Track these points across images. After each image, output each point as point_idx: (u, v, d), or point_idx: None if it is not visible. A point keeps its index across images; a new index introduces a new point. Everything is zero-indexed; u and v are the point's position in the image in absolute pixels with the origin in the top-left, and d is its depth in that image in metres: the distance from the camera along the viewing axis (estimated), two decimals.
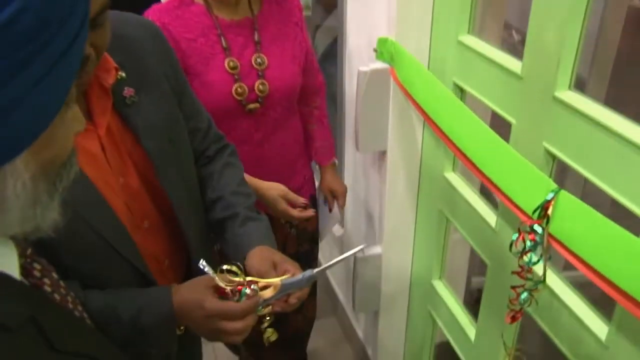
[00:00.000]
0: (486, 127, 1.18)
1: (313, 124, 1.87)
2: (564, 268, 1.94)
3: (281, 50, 1.63)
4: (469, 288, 2.43)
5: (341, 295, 2.64)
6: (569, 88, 1.05)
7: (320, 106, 1.88)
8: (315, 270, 1.06)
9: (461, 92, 1.42)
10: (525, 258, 1.03)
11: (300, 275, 1.05)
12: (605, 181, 0.96)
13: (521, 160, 1.07)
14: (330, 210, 1.98)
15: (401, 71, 1.50)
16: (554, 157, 1.11)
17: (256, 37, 1.58)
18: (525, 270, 1.05)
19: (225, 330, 0.97)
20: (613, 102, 1.17)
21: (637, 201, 0.90)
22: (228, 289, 0.97)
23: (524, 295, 1.06)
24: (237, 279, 0.98)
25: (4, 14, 0.43)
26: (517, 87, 1.16)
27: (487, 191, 1.29)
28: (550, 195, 0.98)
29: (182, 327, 1.03)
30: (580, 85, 1.05)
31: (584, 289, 1.17)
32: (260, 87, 1.57)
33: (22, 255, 0.62)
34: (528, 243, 1.01)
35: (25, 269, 0.63)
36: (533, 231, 1.01)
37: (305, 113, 1.85)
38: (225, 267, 0.99)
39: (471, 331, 1.63)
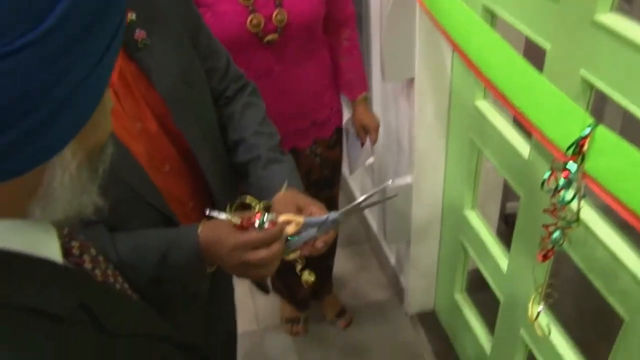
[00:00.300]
0: (517, 55, 1.09)
1: (342, 56, 1.76)
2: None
3: None
4: (503, 213, 2.39)
5: (374, 224, 2.62)
6: (611, 10, 0.95)
7: (350, 37, 1.75)
8: (339, 211, 1.02)
9: (491, 17, 1.31)
10: (558, 196, 0.97)
11: (324, 216, 1.01)
12: None
13: (555, 91, 0.99)
14: (362, 145, 1.92)
15: None
16: (591, 87, 1.02)
17: None
18: (557, 209, 0.98)
19: (250, 262, 0.93)
20: None
21: None
22: (245, 221, 0.94)
23: (556, 234, 1.00)
24: (255, 209, 0.96)
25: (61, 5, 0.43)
26: (553, 10, 1.06)
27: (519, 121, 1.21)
28: (586, 131, 0.90)
29: (212, 266, 1.01)
30: (623, 9, 0.95)
31: (620, 224, 1.11)
32: (278, 16, 1.47)
33: (60, 236, 0.60)
34: (561, 181, 0.95)
35: (64, 249, 0.62)
36: (566, 169, 0.94)
37: (334, 44, 1.74)
38: (237, 201, 0.97)
39: (503, 262, 1.59)
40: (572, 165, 0.93)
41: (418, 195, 1.93)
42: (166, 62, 1.00)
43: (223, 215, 0.95)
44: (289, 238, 0.98)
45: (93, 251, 0.69)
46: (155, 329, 0.68)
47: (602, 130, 0.89)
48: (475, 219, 1.77)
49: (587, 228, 1.10)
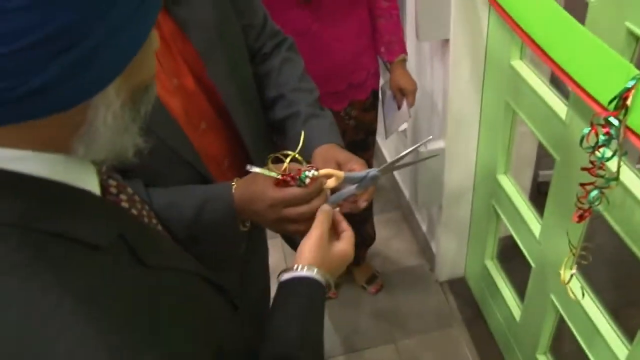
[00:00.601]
0: (558, 6, 1.03)
1: (380, 17, 1.70)
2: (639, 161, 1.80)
3: None
4: (536, 181, 2.33)
5: (406, 191, 2.59)
6: None
7: None
8: (380, 168, 1.00)
9: None
10: (598, 153, 0.92)
11: (364, 172, 0.99)
12: None
13: (598, 43, 0.94)
14: (399, 107, 1.88)
15: None
16: (637, 39, 0.97)
17: None
18: (596, 167, 0.94)
19: (290, 218, 0.91)
20: None
21: None
22: (286, 176, 0.91)
23: (594, 193, 0.96)
24: (296, 166, 0.94)
25: None
26: None
27: (558, 81, 1.16)
28: (630, 83, 0.85)
29: (247, 224, 1.00)
30: None
31: None
32: None
33: (98, 173, 0.61)
34: (602, 137, 0.90)
35: (102, 187, 0.62)
36: (608, 123, 0.89)
37: (372, 4, 1.69)
38: (277, 155, 0.94)
39: (536, 227, 1.55)
40: (614, 120, 0.89)
41: (451, 160, 1.89)
42: (202, 16, 0.98)
43: (264, 170, 0.92)
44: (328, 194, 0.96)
45: (130, 191, 0.69)
46: (190, 266, 0.68)
47: None
48: (508, 184, 1.72)
49: (625, 189, 1.06)
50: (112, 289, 0.51)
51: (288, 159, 0.93)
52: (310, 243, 0.84)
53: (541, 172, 2.40)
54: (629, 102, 0.86)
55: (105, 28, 0.45)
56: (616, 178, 0.93)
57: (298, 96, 1.14)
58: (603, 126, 0.90)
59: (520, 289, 1.75)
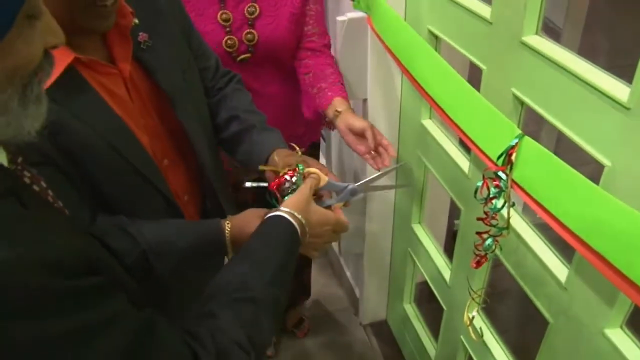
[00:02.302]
0: (456, 74, 1.10)
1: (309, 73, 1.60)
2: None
3: (277, 1, 1.47)
4: (451, 229, 2.40)
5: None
6: (536, 33, 0.97)
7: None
8: (358, 183, 1.04)
9: (436, 40, 1.34)
10: (490, 205, 0.97)
11: (344, 184, 1.04)
12: (570, 127, 0.90)
13: (488, 106, 1.00)
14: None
15: (377, 20, 1.41)
16: (522, 103, 1.04)
17: None
18: (490, 217, 0.99)
19: None
20: (587, 52, 1.10)
21: (599, 147, 0.84)
22: (279, 180, 0.98)
23: (488, 241, 1.01)
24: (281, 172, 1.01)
25: None
26: (487, 33, 1.08)
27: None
28: (514, 141, 0.91)
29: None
30: (555, 36, 0.97)
31: (548, 232, 1.12)
32: (249, 36, 1.46)
33: (11, 161, 0.63)
34: (492, 190, 0.96)
35: (16, 175, 0.65)
36: (497, 177, 0.95)
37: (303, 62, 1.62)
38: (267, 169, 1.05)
39: (447, 272, 1.59)
40: (502, 174, 0.94)
41: (371, 209, 1.94)
42: (167, 61, 1.04)
43: (259, 184, 1.01)
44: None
45: (43, 184, 0.71)
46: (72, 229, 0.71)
47: (528, 141, 0.90)
48: (422, 233, 1.78)
49: (518, 237, 1.11)
50: None
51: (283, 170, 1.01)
52: (293, 196, 0.95)
53: (456, 221, 2.48)
54: (513, 158, 0.92)
55: None
56: (506, 227, 0.98)
57: (251, 116, 1.22)
58: (493, 180, 0.96)
59: (436, 330, 1.79)
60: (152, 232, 0.95)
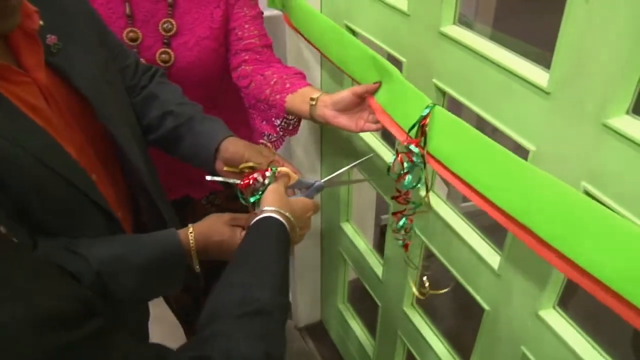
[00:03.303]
0: (370, 50, 1.09)
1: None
2: (463, 200, 1.94)
3: (198, 15, 1.29)
4: (378, 225, 2.42)
5: None
6: (454, 23, 0.98)
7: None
8: (324, 179, 1.04)
9: (354, 35, 1.33)
10: (403, 181, 0.96)
11: (312, 180, 1.03)
12: (493, 114, 0.91)
13: (402, 81, 0.99)
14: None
15: (295, 17, 1.39)
16: (444, 93, 1.05)
17: None
18: (402, 195, 0.99)
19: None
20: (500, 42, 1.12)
21: (522, 132, 0.86)
22: (247, 178, 0.94)
23: (403, 221, 1.00)
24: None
25: None
26: (405, 25, 1.08)
27: (387, 133, 1.21)
28: (426, 111, 0.91)
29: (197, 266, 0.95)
30: (467, 28, 0.98)
31: (476, 219, 1.14)
32: (163, 56, 1.27)
33: None
34: (406, 165, 0.95)
35: None
36: (410, 151, 0.94)
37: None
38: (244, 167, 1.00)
39: (379, 269, 1.59)
40: (414, 148, 0.93)
41: None
42: (83, 63, 0.93)
43: (225, 179, 0.96)
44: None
45: None
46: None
47: (440, 110, 0.90)
48: (351, 231, 1.77)
49: (446, 225, 1.12)
50: None
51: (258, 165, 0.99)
52: (269, 192, 0.92)
53: (383, 217, 2.50)
54: (427, 129, 0.91)
55: None
56: (421, 204, 0.98)
57: (186, 108, 1.12)
58: (406, 154, 0.94)
59: (373, 328, 1.79)
60: (102, 251, 0.86)
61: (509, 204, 0.79)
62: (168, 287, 0.95)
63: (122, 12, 1.24)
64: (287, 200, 0.92)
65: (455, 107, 1.02)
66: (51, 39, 0.88)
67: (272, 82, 1.25)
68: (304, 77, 1.26)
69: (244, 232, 0.93)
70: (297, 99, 1.19)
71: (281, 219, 0.87)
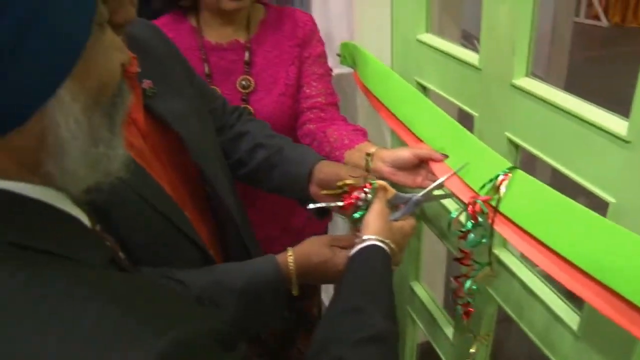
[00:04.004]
0: (445, 114, 1.10)
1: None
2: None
3: (273, 72, 1.37)
4: (449, 284, 2.35)
5: (326, 299, 2.55)
6: (526, 75, 0.98)
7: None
8: (421, 193, 1.02)
9: (424, 91, 1.34)
10: (468, 239, 0.94)
11: (409, 195, 1.01)
12: (569, 167, 0.88)
13: (480, 145, 0.99)
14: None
15: (364, 73, 1.43)
16: (517, 147, 1.03)
17: (247, 57, 1.35)
18: (466, 256, 0.96)
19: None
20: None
21: (601, 184, 0.82)
22: (349, 199, 0.94)
23: (468, 283, 0.97)
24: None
25: None
26: (476, 79, 1.08)
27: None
28: (504, 171, 0.89)
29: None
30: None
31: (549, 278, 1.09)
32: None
33: (93, 225, 0.59)
34: (469, 223, 0.92)
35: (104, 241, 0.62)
36: (477, 208, 0.92)
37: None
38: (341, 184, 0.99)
39: (449, 330, 1.54)
40: (484, 206, 0.91)
41: None
42: (176, 106, 0.98)
43: (328, 204, 0.96)
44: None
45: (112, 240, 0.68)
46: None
47: (520, 173, 0.88)
48: (421, 290, 1.73)
49: (522, 285, 1.08)
50: (132, 290, 0.49)
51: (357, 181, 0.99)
52: (373, 216, 0.91)
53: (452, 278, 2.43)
54: (502, 187, 0.89)
55: (16, 10, 0.42)
56: (489, 262, 0.94)
57: (276, 140, 1.14)
58: (472, 211, 0.92)
59: None
60: (200, 277, 0.88)
61: (590, 264, 0.75)
62: (268, 315, 0.94)
63: (202, 71, 1.31)
64: (389, 225, 0.92)
65: (528, 159, 1.00)
66: (146, 83, 0.94)
67: (332, 140, 1.27)
68: (364, 133, 1.28)
69: (343, 252, 0.92)
70: (355, 155, 1.20)
71: (385, 247, 0.87)
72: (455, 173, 1.02)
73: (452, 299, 1.05)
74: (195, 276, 0.88)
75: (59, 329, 0.41)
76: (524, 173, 0.88)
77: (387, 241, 0.88)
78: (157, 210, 0.87)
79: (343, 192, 0.99)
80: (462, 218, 0.99)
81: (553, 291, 1.05)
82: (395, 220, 0.98)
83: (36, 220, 0.49)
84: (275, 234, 1.52)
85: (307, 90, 1.37)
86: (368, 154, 1.15)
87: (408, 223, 0.97)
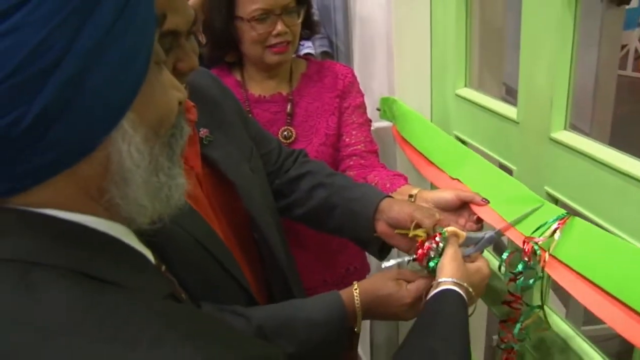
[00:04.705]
0: (492, 166, 1.10)
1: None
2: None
3: (314, 123, 1.41)
4: (490, 345, 2.29)
5: (363, 355, 2.50)
6: (565, 128, 0.98)
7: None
8: (496, 230, 1.00)
9: (464, 144, 1.35)
10: (518, 281, 0.92)
11: (482, 233, 0.99)
12: (610, 221, 0.87)
13: (528, 192, 0.99)
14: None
15: (403, 126, 1.45)
16: (556, 200, 1.02)
17: (289, 109, 1.39)
18: (516, 299, 0.95)
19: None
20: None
21: None
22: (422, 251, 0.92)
23: (517, 327, 0.95)
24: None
25: None
26: (515, 133, 1.09)
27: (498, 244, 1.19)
28: (561, 216, 0.90)
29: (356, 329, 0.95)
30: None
31: (601, 344, 1.05)
32: None
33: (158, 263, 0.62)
34: (520, 265, 0.91)
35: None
36: (532, 251, 0.91)
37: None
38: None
39: None
40: (537, 247, 0.91)
41: (402, 323, 1.86)
42: (231, 153, 1.01)
43: (402, 259, 0.94)
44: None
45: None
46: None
47: (577, 220, 0.89)
48: None
49: (566, 346, 1.05)
50: (200, 321, 0.51)
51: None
52: (447, 260, 0.89)
53: (494, 337, 2.36)
54: (558, 231, 0.88)
55: (81, 45, 0.45)
56: (541, 306, 0.93)
57: (336, 179, 1.14)
58: (525, 253, 0.91)
59: None
60: (263, 311, 0.90)
61: None
62: (330, 349, 0.93)
63: None
64: (465, 268, 0.90)
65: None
66: (203, 132, 0.97)
67: (373, 185, 1.27)
68: (404, 178, 1.29)
69: (410, 286, 0.92)
70: (398, 198, 1.19)
71: (461, 292, 0.86)
72: (527, 215, 1.00)
73: (496, 346, 1.03)
74: (258, 310, 0.89)
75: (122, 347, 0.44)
76: (581, 219, 0.88)
77: (464, 284, 0.87)
78: (209, 252, 0.89)
79: (414, 239, 0.98)
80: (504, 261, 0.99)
81: (601, 355, 1.01)
82: (467, 256, 0.96)
83: (103, 251, 0.51)
84: (311, 285, 1.46)
85: (347, 139, 1.40)
86: (411, 195, 1.15)
87: (484, 264, 0.94)
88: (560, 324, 1.09)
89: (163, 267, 0.64)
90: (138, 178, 0.52)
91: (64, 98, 0.45)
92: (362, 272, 1.56)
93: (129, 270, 0.53)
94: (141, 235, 0.59)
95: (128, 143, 0.50)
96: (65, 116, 0.46)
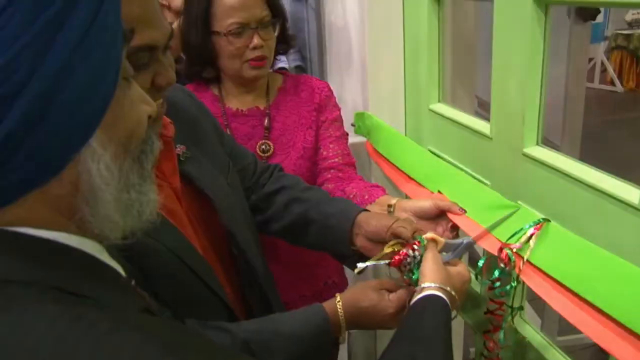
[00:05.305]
0: (470, 177, 1.12)
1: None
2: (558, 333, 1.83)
3: (291, 137, 1.42)
4: (468, 358, 2.30)
5: None
6: (537, 144, 1.00)
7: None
8: (473, 236, 1.01)
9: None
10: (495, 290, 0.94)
11: (460, 240, 1.01)
12: (582, 235, 0.89)
13: (506, 201, 1.00)
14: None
15: (377, 141, 1.46)
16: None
17: (266, 122, 1.40)
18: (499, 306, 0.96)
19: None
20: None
21: (615, 252, 0.83)
22: (398, 257, 0.92)
23: (501, 335, 0.96)
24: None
25: None
26: (488, 148, 1.11)
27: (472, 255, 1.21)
28: (537, 221, 0.92)
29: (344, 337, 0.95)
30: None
31: (575, 354, 1.07)
32: None
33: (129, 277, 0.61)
34: (496, 271, 0.93)
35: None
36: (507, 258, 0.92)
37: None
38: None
39: None
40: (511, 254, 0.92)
41: (381, 334, 1.87)
42: (208, 169, 1.01)
43: (377, 261, 0.94)
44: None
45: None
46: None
47: (554, 225, 0.90)
48: None
49: (540, 357, 1.06)
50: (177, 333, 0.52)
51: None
52: (429, 265, 0.89)
53: (471, 349, 2.38)
54: (533, 237, 0.90)
55: (49, 64, 0.45)
56: (521, 307, 0.94)
57: (312, 193, 1.14)
58: (501, 258, 0.93)
59: None
60: (246, 325, 0.89)
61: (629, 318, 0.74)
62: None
63: None
64: (446, 272, 0.90)
65: None
66: (180, 148, 0.97)
67: (351, 196, 1.29)
68: (382, 189, 1.30)
69: (392, 296, 0.92)
70: (376, 208, 1.21)
71: (444, 296, 0.86)
72: (503, 220, 1.02)
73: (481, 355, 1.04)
74: (243, 325, 0.89)
75: None
76: (557, 225, 0.89)
77: (447, 288, 0.87)
78: (189, 268, 0.89)
79: (390, 250, 0.98)
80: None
81: None
82: (447, 262, 0.97)
83: (77, 267, 0.51)
84: (291, 299, 1.47)
85: (325, 152, 1.42)
86: (390, 205, 1.17)
87: (464, 268, 0.95)
88: (534, 335, 1.10)
89: (133, 282, 0.64)
90: (108, 196, 0.52)
91: (31, 118, 0.45)
92: (340, 285, 1.57)
93: (104, 285, 0.53)
94: (119, 251, 0.59)
95: (97, 161, 0.50)
96: (33, 136, 0.45)
